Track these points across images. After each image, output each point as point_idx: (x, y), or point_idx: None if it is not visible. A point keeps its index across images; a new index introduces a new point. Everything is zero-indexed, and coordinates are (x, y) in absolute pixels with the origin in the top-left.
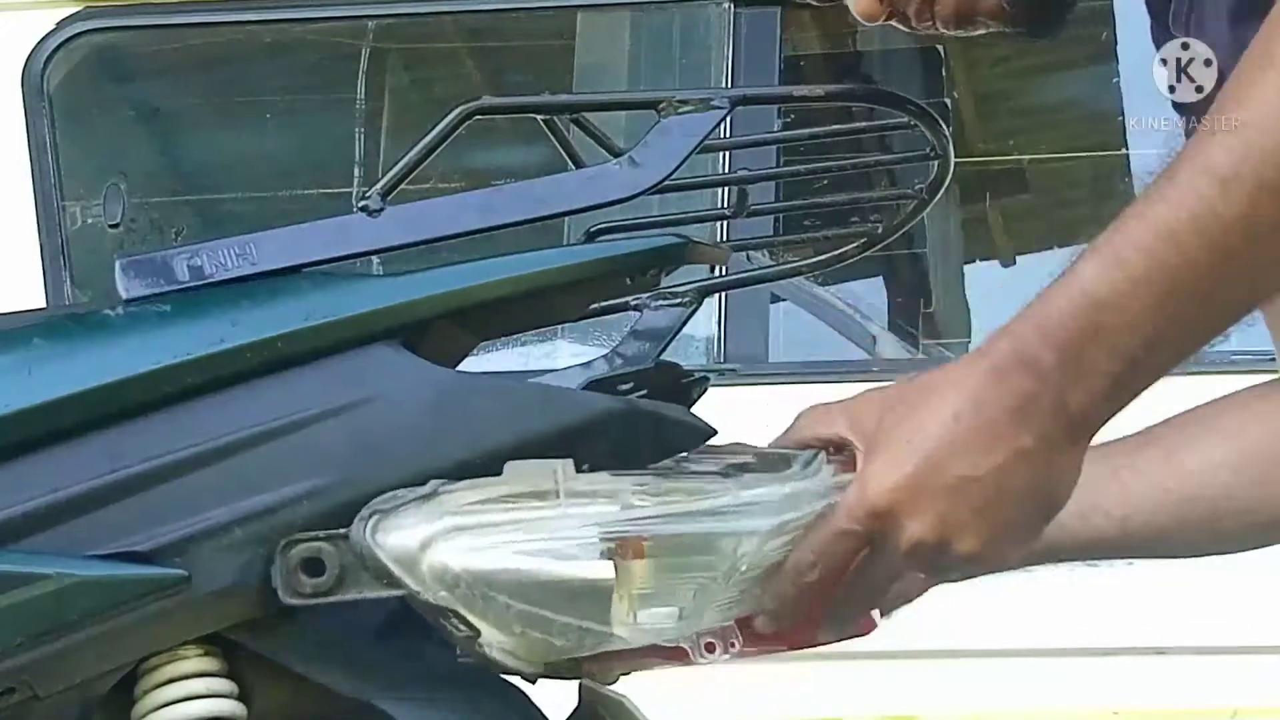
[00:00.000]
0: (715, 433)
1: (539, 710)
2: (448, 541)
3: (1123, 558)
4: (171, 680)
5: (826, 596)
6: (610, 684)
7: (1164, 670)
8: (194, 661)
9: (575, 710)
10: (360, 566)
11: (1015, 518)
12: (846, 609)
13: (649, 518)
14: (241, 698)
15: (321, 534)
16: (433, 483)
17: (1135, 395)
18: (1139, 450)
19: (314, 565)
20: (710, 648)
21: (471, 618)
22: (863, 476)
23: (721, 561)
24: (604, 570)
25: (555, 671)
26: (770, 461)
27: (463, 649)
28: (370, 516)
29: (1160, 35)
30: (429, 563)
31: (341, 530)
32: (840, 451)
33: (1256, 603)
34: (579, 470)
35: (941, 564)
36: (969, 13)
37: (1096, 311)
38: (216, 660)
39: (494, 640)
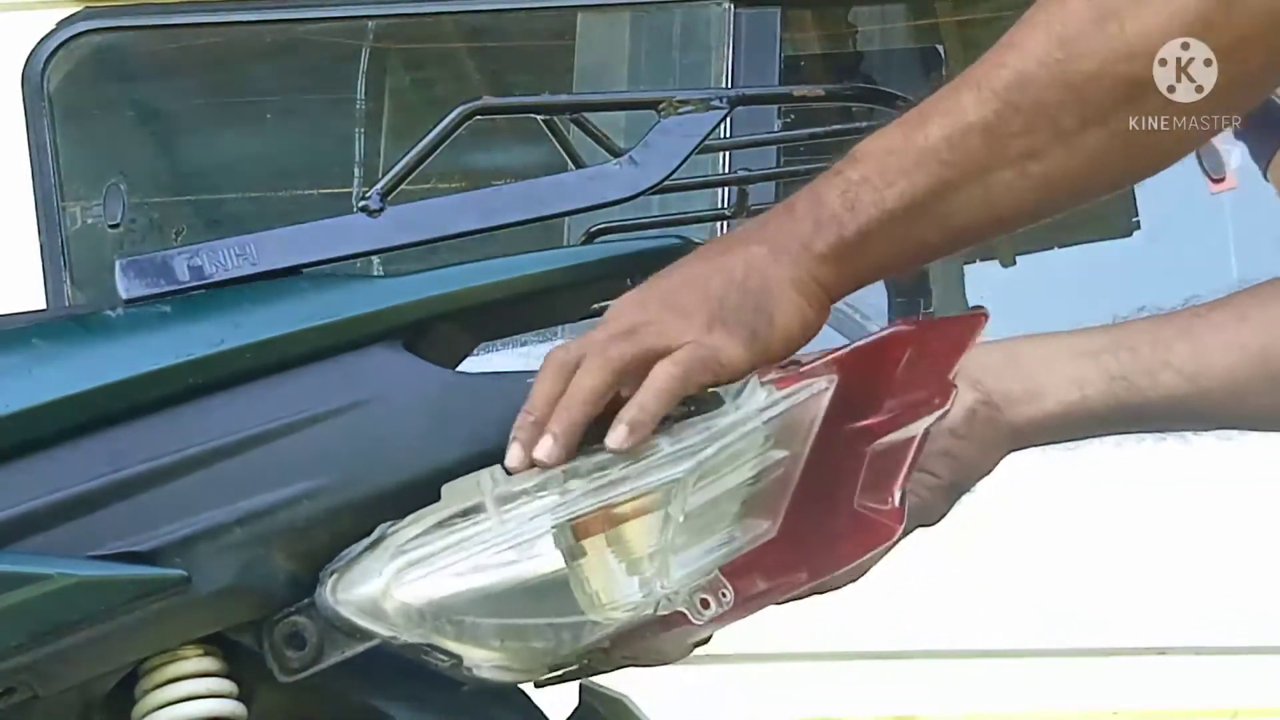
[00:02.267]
0: None
1: (539, 710)
2: (403, 581)
3: (1196, 424)
4: (172, 680)
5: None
6: (672, 661)
7: (1164, 670)
8: (194, 662)
9: (575, 710)
10: (334, 629)
11: (725, 294)
12: (641, 392)
13: (585, 493)
14: (242, 698)
15: (293, 608)
16: (380, 527)
17: (867, 269)
18: (1210, 310)
19: (296, 640)
20: (705, 603)
21: (449, 645)
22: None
23: (663, 515)
24: (553, 562)
25: (587, 669)
26: (702, 402)
27: (453, 677)
28: (330, 577)
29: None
30: (392, 607)
31: (309, 599)
32: (774, 370)
33: (1256, 603)
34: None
35: (659, 313)
36: None
37: (847, 165)
38: (217, 660)
39: (479, 660)
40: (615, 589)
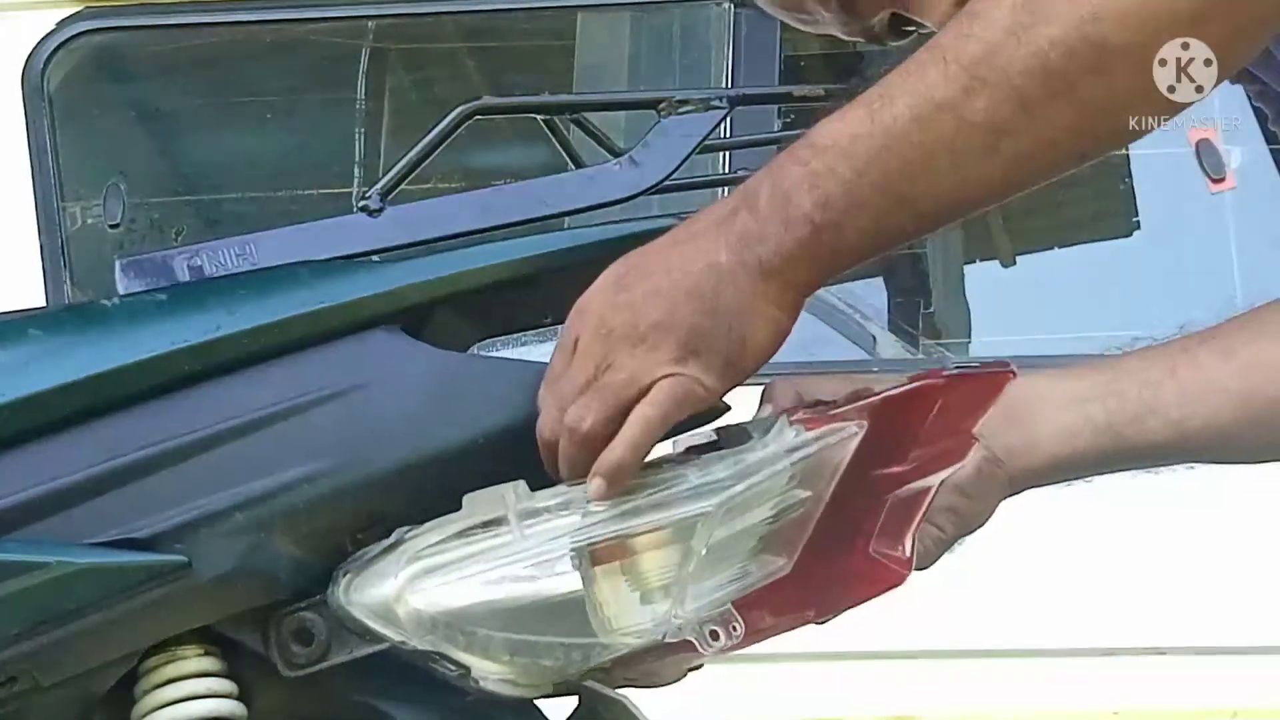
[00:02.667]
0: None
1: (539, 711)
2: (418, 587)
3: (1187, 462)
4: (172, 680)
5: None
6: (667, 684)
7: (1164, 670)
8: (194, 661)
9: (575, 710)
10: (343, 628)
11: (696, 321)
12: (617, 444)
13: (607, 518)
14: (242, 698)
15: (303, 603)
16: (397, 531)
17: (840, 262)
18: (1197, 348)
19: (304, 635)
20: (714, 635)
21: (458, 655)
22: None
23: (683, 548)
24: (571, 583)
25: (567, 689)
26: (731, 436)
27: (460, 686)
28: (343, 576)
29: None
30: (405, 612)
31: (320, 595)
32: (803, 410)
33: (1256, 603)
34: None
35: (625, 349)
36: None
37: (811, 154)
38: (217, 660)
39: (487, 672)
40: (629, 615)
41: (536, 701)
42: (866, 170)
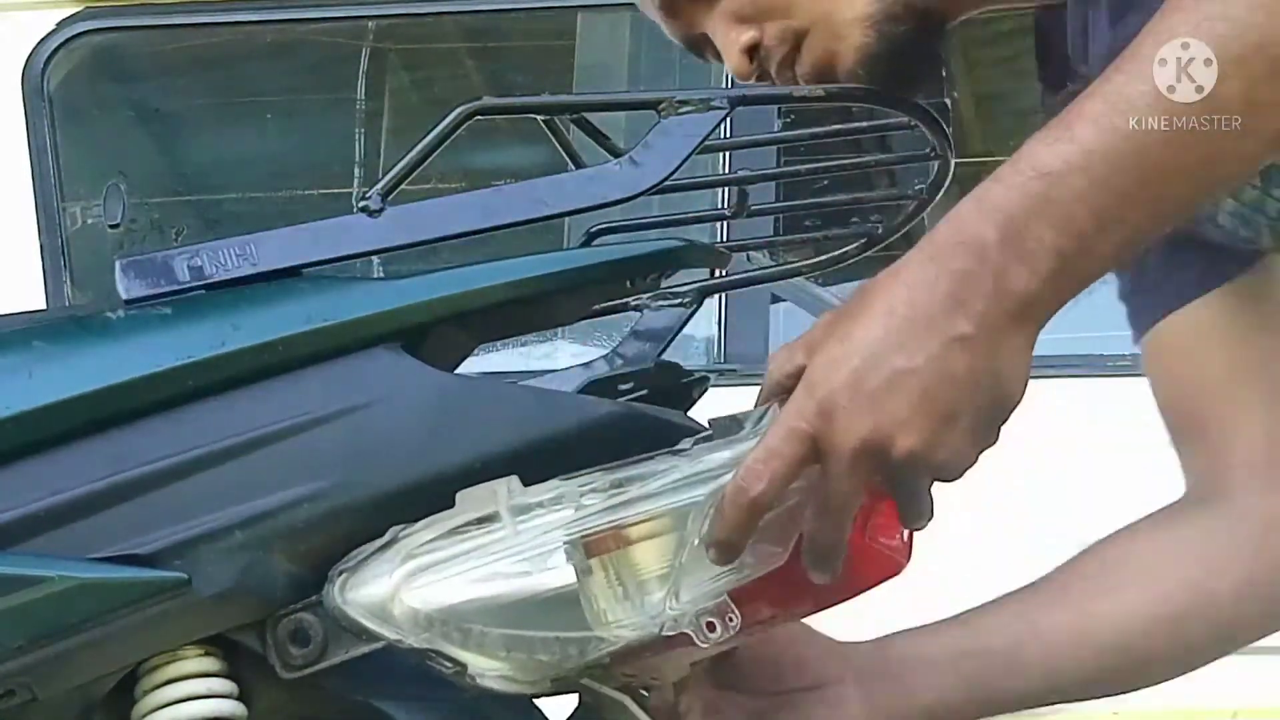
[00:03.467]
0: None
1: (539, 710)
2: (412, 585)
3: (1066, 701)
4: (172, 680)
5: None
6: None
7: None
8: (194, 662)
9: (575, 710)
10: (340, 628)
11: (958, 408)
12: (819, 535)
13: (601, 510)
14: (242, 698)
15: (299, 604)
16: (392, 530)
17: (1085, 282)
18: (1055, 603)
19: (301, 636)
20: (711, 626)
21: (454, 652)
22: (806, 377)
23: (677, 538)
24: (565, 577)
25: (566, 685)
26: (723, 427)
27: (456, 684)
28: (339, 576)
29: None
30: (400, 610)
31: (315, 596)
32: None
33: None
34: (575, 471)
35: (892, 465)
36: (828, 75)
37: (1043, 184)
38: (217, 660)
39: (483, 669)
40: (624, 608)
41: (537, 702)
42: (1115, 184)
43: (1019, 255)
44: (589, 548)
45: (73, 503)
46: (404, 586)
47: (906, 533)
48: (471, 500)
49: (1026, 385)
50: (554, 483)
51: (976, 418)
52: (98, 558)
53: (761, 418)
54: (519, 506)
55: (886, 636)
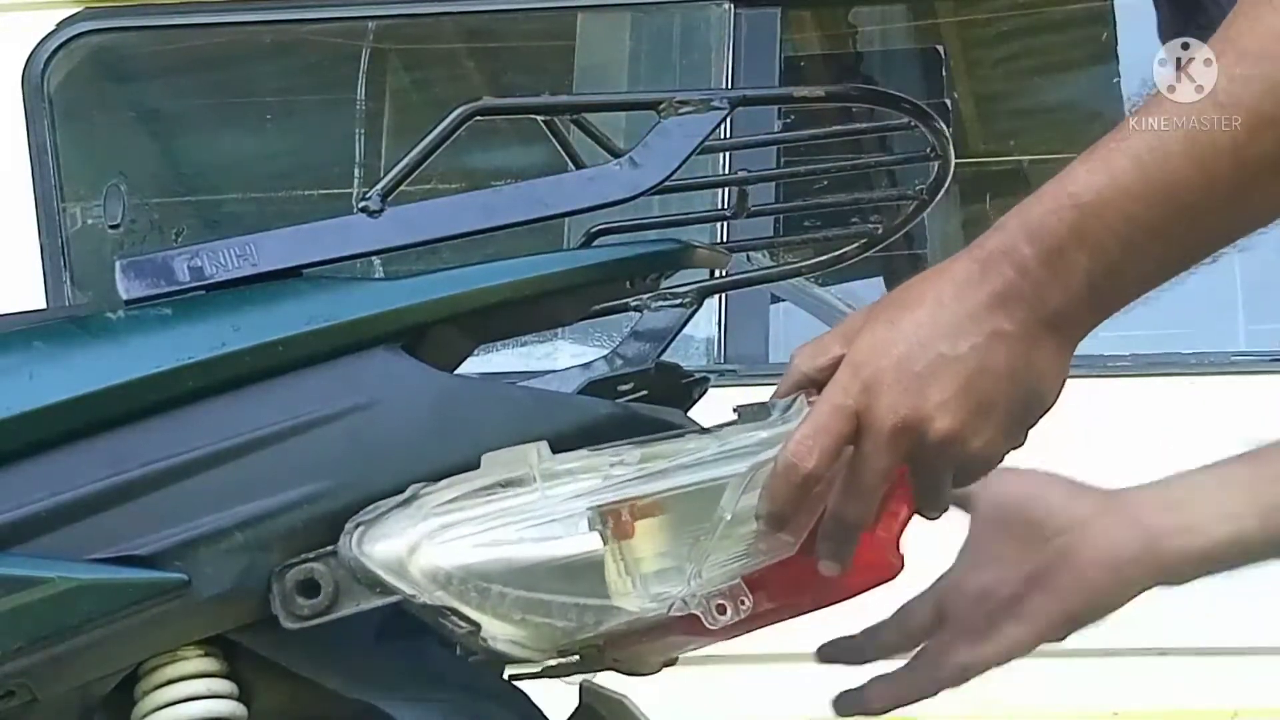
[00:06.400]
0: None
1: (539, 710)
2: (434, 541)
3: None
4: (172, 681)
5: (819, 500)
6: (646, 674)
7: (1164, 670)
8: (194, 662)
9: (575, 710)
10: (353, 580)
11: (994, 399)
12: (845, 514)
13: (629, 481)
14: (242, 698)
15: (311, 554)
16: (412, 487)
17: (1117, 305)
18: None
19: (309, 586)
20: (721, 609)
21: (469, 612)
22: (849, 358)
23: (707, 513)
24: (592, 543)
25: (578, 665)
26: (751, 413)
27: (466, 646)
28: (355, 529)
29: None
30: (419, 565)
31: (330, 547)
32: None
33: (1257, 603)
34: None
35: (927, 446)
36: None
37: (1079, 213)
38: (217, 661)
39: (496, 632)
40: (648, 579)
41: (536, 702)
42: (1144, 220)
43: (1055, 274)
44: (615, 517)
45: (73, 504)
46: (425, 542)
47: (901, 541)
48: (499, 462)
49: (1060, 391)
50: (583, 452)
51: (1010, 412)
52: (98, 559)
53: (790, 406)
54: (549, 471)
55: (1155, 481)
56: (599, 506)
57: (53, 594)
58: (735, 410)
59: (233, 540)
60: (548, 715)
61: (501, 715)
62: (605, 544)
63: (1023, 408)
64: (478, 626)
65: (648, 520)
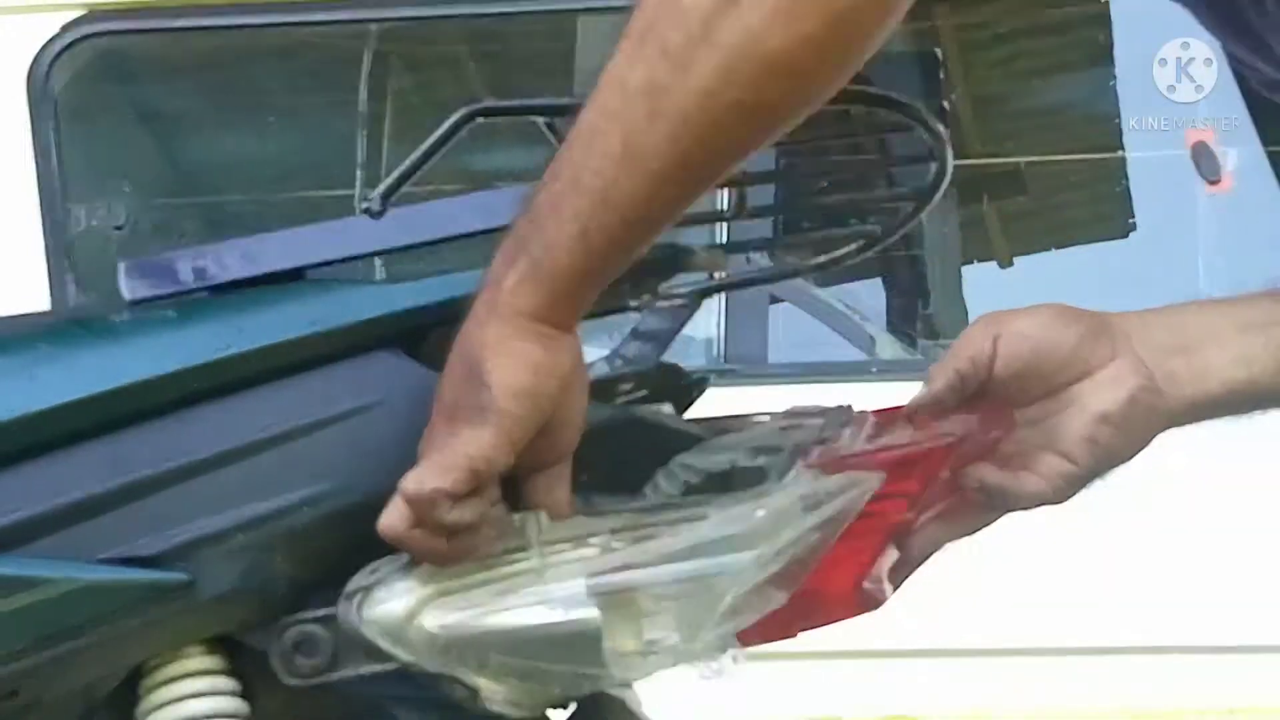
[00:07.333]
0: None
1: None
2: (433, 609)
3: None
4: (175, 678)
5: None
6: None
7: (1163, 670)
8: (197, 660)
9: (575, 710)
10: (352, 645)
11: (448, 395)
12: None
13: (630, 564)
14: (244, 696)
15: (309, 616)
16: None
17: (583, 272)
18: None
19: (307, 646)
20: (714, 665)
21: (468, 678)
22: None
23: (707, 596)
24: (592, 618)
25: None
26: (745, 477)
27: (467, 707)
28: (355, 594)
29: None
30: (418, 633)
31: (329, 610)
32: (818, 451)
33: (1256, 603)
34: (579, 479)
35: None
36: None
37: (534, 203)
38: (220, 659)
39: (494, 695)
40: (641, 651)
41: None
42: (556, 176)
43: (505, 257)
44: (613, 597)
45: (76, 505)
46: (423, 610)
47: (886, 580)
48: (499, 528)
49: (521, 379)
50: (581, 519)
51: (460, 404)
52: (101, 560)
53: (784, 472)
54: (548, 540)
55: (1168, 307)
56: (598, 585)
57: (56, 595)
58: (730, 464)
59: (235, 541)
60: (548, 715)
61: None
62: (603, 620)
63: (472, 392)
64: (476, 690)
65: (645, 599)
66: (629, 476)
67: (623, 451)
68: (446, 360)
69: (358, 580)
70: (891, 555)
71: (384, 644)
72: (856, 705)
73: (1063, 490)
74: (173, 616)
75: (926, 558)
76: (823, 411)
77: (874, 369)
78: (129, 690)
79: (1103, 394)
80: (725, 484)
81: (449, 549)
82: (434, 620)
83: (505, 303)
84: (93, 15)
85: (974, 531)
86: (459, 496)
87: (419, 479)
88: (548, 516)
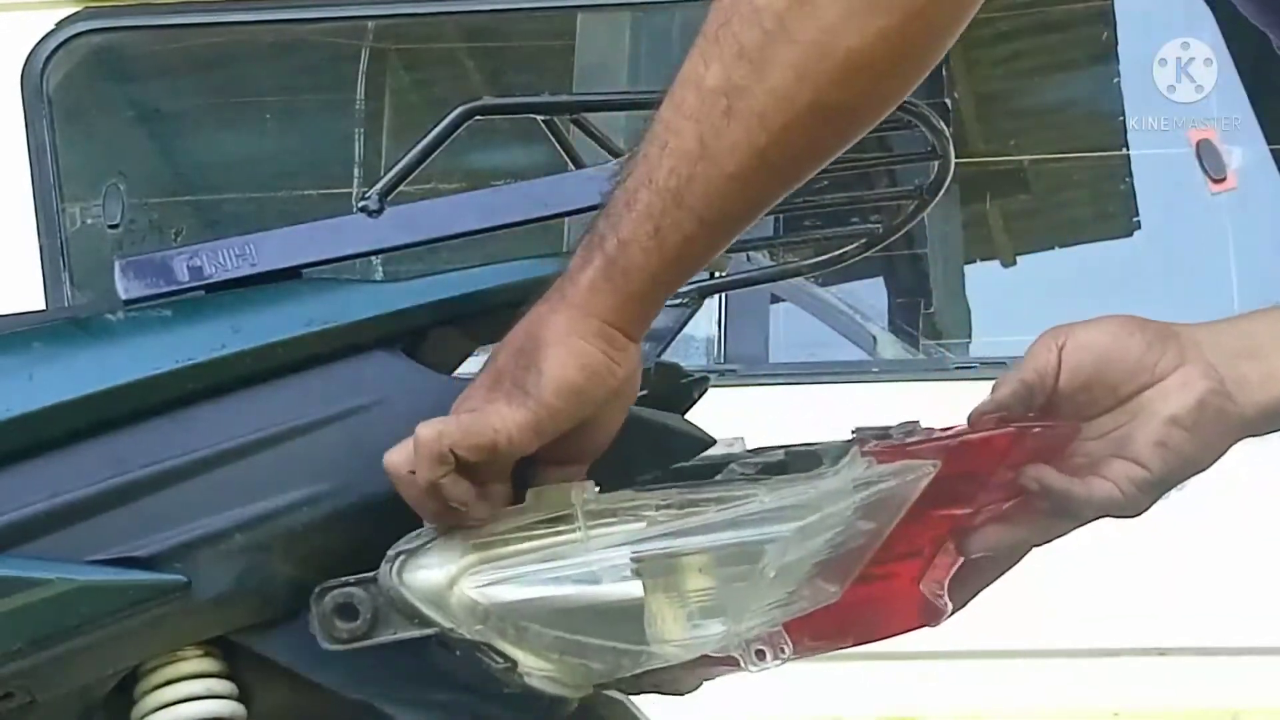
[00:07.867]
0: (715, 442)
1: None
2: (474, 576)
3: None
4: (171, 681)
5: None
6: (684, 693)
7: (1164, 670)
8: (194, 662)
9: (575, 710)
10: (391, 608)
11: (502, 366)
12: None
13: (674, 533)
14: (241, 698)
15: (352, 579)
16: None
17: (656, 281)
18: None
19: (347, 610)
20: (761, 655)
21: (506, 648)
22: None
23: (752, 569)
24: (634, 590)
25: (606, 689)
26: (802, 459)
27: (503, 680)
28: (397, 557)
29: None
30: (458, 599)
31: (371, 573)
32: (880, 440)
33: (1257, 603)
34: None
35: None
36: None
37: (611, 199)
38: (216, 661)
39: (532, 668)
40: (685, 628)
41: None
42: (631, 172)
43: (584, 253)
44: (658, 568)
45: (72, 505)
46: (465, 577)
47: (945, 590)
48: (544, 499)
49: (571, 377)
50: (628, 492)
51: (507, 377)
52: (97, 560)
53: (840, 457)
54: (595, 511)
55: (1239, 315)
56: (644, 556)
57: (52, 595)
58: (785, 453)
59: (232, 542)
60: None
61: (502, 715)
62: (646, 594)
63: (522, 370)
64: (514, 662)
65: (690, 572)
66: (629, 476)
67: (623, 451)
68: (505, 335)
69: (400, 544)
70: (952, 558)
71: (424, 608)
72: (856, 705)
73: (1136, 497)
74: (170, 617)
75: (995, 570)
76: (887, 427)
77: (876, 369)
78: (126, 693)
79: (1171, 399)
80: (781, 472)
81: (434, 510)
82: (474, 586)
83: (579, 298)
84: (87, 12)
85: (1044, 541)
86: (468, 464)
87: (438, 430)
88: (594, 486)
